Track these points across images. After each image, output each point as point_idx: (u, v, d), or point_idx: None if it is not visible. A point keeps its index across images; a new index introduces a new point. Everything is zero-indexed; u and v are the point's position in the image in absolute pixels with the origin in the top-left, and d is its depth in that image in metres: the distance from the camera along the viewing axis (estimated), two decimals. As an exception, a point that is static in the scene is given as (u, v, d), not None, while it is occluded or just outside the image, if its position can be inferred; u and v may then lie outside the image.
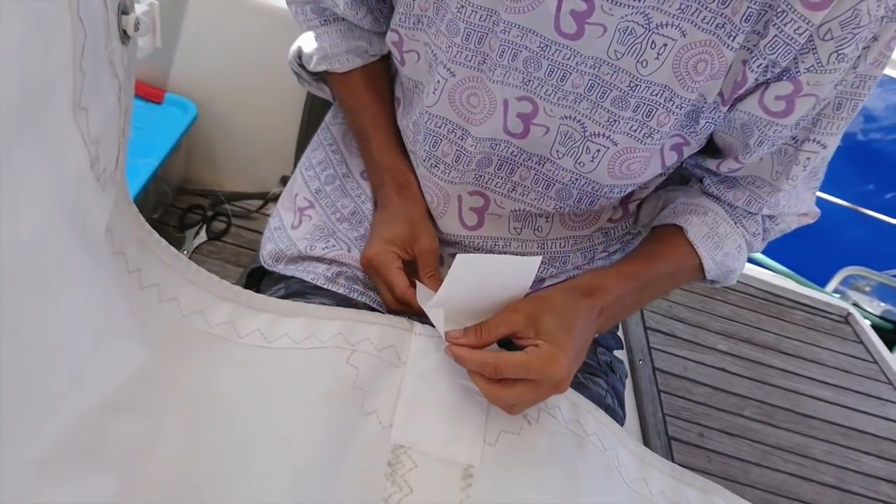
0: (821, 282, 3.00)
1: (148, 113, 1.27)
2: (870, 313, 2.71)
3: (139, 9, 0.44)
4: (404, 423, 0.58)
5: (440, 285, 0.60)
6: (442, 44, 0.62)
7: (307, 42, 0.75)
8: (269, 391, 0.57)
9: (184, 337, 0.58)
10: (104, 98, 0.41)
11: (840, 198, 3.00)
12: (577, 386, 0.72)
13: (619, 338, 0.88)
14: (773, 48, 0.54)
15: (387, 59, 0.77)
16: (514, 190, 0.70)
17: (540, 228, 0.74)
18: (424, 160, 0.71)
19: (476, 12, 0.59)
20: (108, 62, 0.43)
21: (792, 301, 1.78)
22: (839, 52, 0.54)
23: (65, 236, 0.36)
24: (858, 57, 0.56)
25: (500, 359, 0.54)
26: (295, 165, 1.39)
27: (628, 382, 1.32)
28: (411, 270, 0.70)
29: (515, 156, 0.67)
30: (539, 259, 0.61)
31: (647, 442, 1.20)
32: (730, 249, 0.69)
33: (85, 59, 0.37)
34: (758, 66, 0.56)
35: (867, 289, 3.22)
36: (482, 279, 0.61)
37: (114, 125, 0.44)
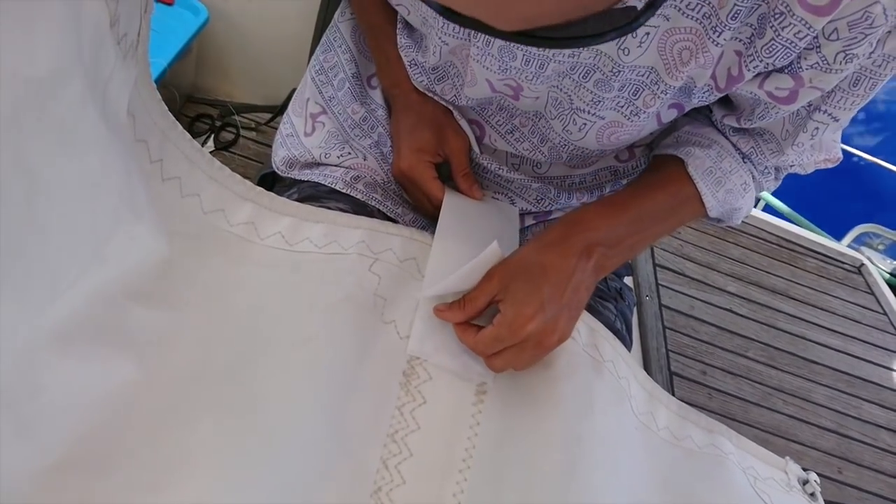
0: (834, 237, 3.00)
1: (158, 13, 1.24)
2: (882, 269, 2.72)
3: None
4: (421, 336, 0.58)
5: (473, 183, 0.61)
6: (431, 14, 0.60)
7: None
8: (291, 291, 0.57)
9: (205, 234, 0.58)
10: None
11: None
12: (589, 309, 0.71)
13: (628, 264, 0.89)
14: (771, 52, 0.51)
15: None
16: (511, 133, 0.68)
17: (539, 165, 0.73)
18: (423, 85, 0.69)
19: None
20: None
21: (805, 248, 1.78)
22: (847, 52, 0.51)
23: (84, 90, 0.36)
24: (881, 42, 0.52)
25: (477, 341, 0.55)
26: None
27: (633, 317, 1.34)
28: (444, 171, 0.70)
29: (513, 108, 0.66)
30: (516, 210, 0.61)
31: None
32: (733, 186, 0.65)
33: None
34: (754, 67, 0.53)
35: (881, 247, 3.22)
36: (472, 221, 0.62)
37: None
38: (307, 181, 0.73)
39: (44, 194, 0.35)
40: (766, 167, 0.68)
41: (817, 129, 0.60)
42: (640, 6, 0.37)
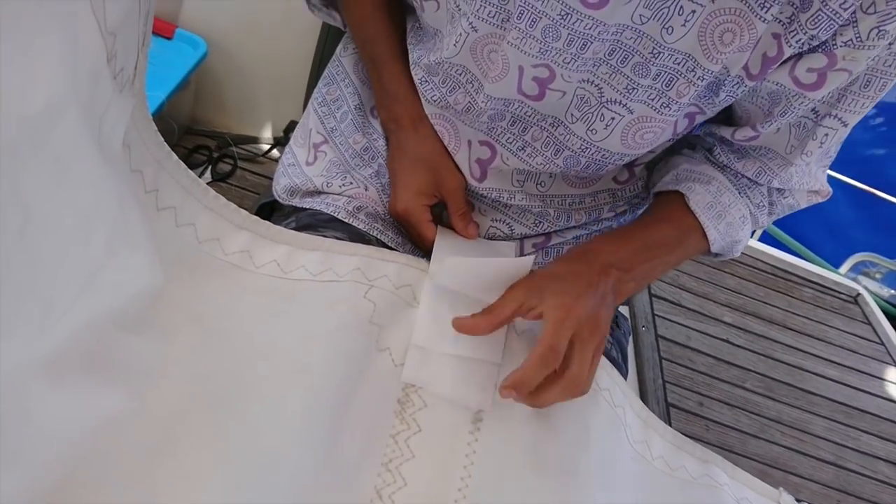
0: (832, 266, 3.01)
1: (157, 47, 1.26)
2: (878, 298, 2.73)
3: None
4: (416, 363, 0.58)
5: (469, 222, 0.62)
6: None
7: None
8: (285, 319, 0.57)
9: (199, 263, 0.58)
10: (125, -1, 0.41)
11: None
12: None
13: None
14: (816, 23, 0.52)
15: None
16: (523, 149, 0.69)
17: (543, 183, 0.73)
18: (436, 101, 0.70)
19: None
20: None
21: (801, 278, 1.79)
22: (881, 28, 0.52)
23: (79, 124, 0.37)
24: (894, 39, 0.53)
25: (525, 369, 0.53)
26: (304, 111, 1.38)
27: (630, 348, 1.34)
28: (440, 210, 0.71)
29: (529, 116, 0.66)
30: (531, 259, 0.61)
31: (645, 407, 1.22)
32: (733, 219, 0.68)
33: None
34: (797, 42, 0.54)
35: (878, 275, 3.23)
36: (472, 282, 0.62)
37: (132, 25, 0.44)
38: (306, 210, 0.74)
39: (37, 226, 0.35)
40: (760, 202, 0.69)
41: (826, 135, 0.61)
42: None
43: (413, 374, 0.58)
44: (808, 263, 1.88)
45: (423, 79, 0.69)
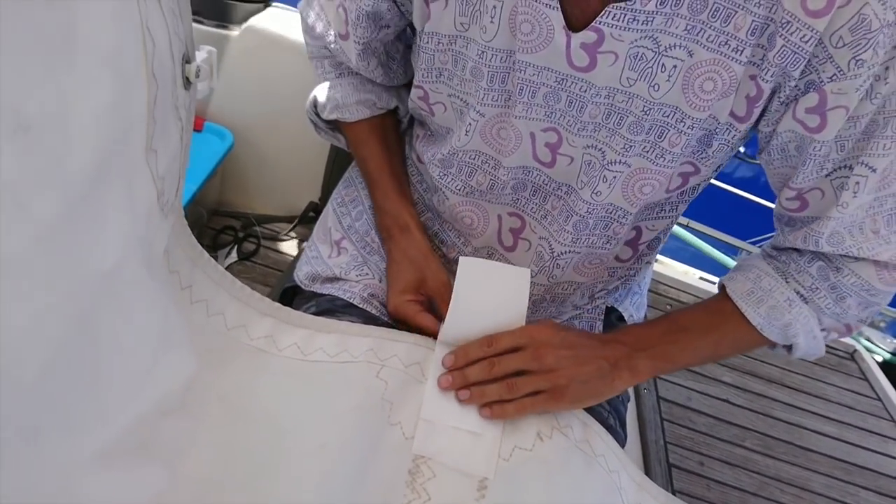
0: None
1: (188, 140, 1.35)
2: (882, 349, 2.71)
3: (199, 56, 0.51)
4: (425, 436, 0.61)
5: None
6: (470, 89, 0.67)
7: (322, 92, 0.81)
8: (305, 400, 0.62)
9: (228, 348, 0.64)
10: (170, 139, 0.48)
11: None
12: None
13: None
14: (783, 57, 0.56)
15: (395, 112, 0.83)
16: (545, 217, 0.74)
17: (553, 276, 0.79)
18: (459, 190, 0.76)
19: (496, 55, 0.64)
20: (173, 107, 0.50)
21: (798, 337, 1.81)
22: (857, 57, 0.54)
23: (137, 263, 0.43)
24: (887, 67, 0.55)
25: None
26: (322, 192, 1.46)
27: (632, 409, 1.36)
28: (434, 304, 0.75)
29: (546, 184, 0.71)
30: (528, 271, 0.67)
31: (647, 468, 1.24)
32: (776, 303, 0.66)
33: (157, 109, 0.44)
34: (771, 76, 0.57)
35: (882, 325, 3.22)
36: (485, 287, 0.68)
37: (176, 161, 0.50)
38: (326, 295, 0.80)
39: (105, 356, 0.41)
40: (812, 285, 0.66)
41: (858, 183, 0.60)
42: None
43: (422, 447, 0.62)
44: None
45: (441, 174, 0.76)
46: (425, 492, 0.60)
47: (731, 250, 3.31)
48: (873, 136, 0.58)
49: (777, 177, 0.66)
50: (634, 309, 0.91)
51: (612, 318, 0.88)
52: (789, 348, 0.70)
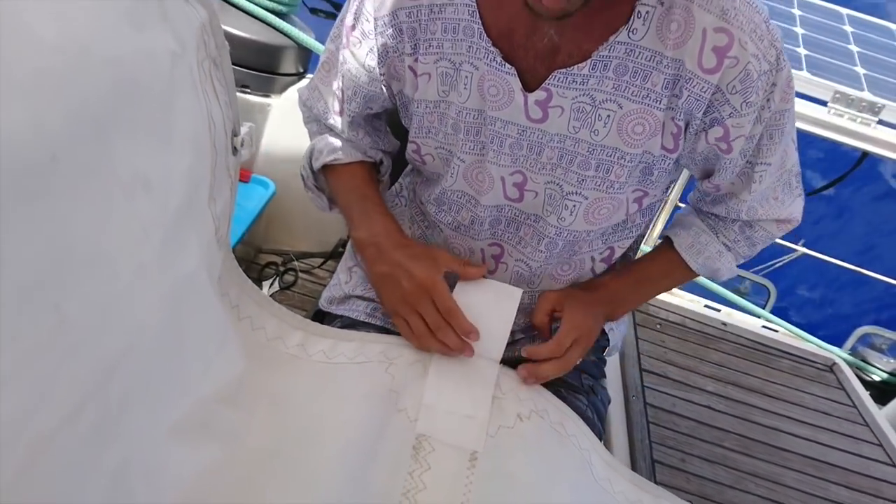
0: (838, 341, 3.04)
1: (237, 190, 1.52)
2: (879, 369, 2.73)
3: (243, 130, 0.65)
4: (427, 418, 0.73)
5: (469, 265, 0.85)
6: (452, 141, 0.83)
7: (319, 144, 0.92)
8: (329, 393, 0.76)
9: (269, 355, 0.78)
10: (223, 190, 0.64)
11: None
12: (563, 399, 0.88)
13: (601, 367, 1.03)
14: (689, 103, 0.71)
15: (377, 166, 0.96)
16: (520, 243, 0.88)
17: (533, 283, 0.92)
18: (449, 224, 0.91)
19: (470, 113, 0.79)
20: (225, 168, 0.65)
21: (780, 350, 1.89)
22: (746, 100, 0.70)
23: (206, 275, 0.58)
24: (768, 100, 0.71)
25: (538, 351, 0.82)
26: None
27: (621, 413, 1.47)
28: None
29: (518, 216, 0.87)
30: (519, 292, 0.81)
31: (633, 463, 1.34)
32: (710, 253, 0.89)
33: (216, 169, 0.60)
34: (682, 117, 0.72)
35: (884, 347, 3.23)
36: (479, 300, 0.81)
37: (228, 206, 0.66)
38: (342, 317, 0.94)
39: (185, 344, 0.56)
40: (735, 238, 0.89)
41: (761, 175, 0.79)
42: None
43: (424, 426, 0.74)
44: (787, 336, 1.97)
45: (436, 210, 0.91)
46: (426, 462, 0.72)
47: (732, 280, 3.35)
48: (763, 143, 0.77)
49: (698, 173, 0.84)
50: (615, 322, 1.03)
51: None
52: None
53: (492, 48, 0.74)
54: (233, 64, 1.56)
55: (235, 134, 0.68)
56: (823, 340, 2.25)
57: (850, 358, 2.52)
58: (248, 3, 1.45)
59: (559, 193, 0.81)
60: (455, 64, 0.77)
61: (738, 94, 0.70)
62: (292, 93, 1.56)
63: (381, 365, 0.79)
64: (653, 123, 0.73)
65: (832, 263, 3.18)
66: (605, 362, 1.06)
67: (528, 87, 0.75)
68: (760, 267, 3.74)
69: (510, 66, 0.73)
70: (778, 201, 0.84)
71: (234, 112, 0.67)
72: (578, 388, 0.94)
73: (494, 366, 0.82)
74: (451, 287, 0.83)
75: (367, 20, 0.78)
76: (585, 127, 0.75)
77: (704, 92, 0.70)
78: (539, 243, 0.87)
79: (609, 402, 1.02)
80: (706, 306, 2.17)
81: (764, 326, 2.09)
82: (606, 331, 1.01)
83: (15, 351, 0.33)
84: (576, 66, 0.71)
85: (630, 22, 0.69)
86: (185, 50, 0.54)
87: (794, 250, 3.16)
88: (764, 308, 3.18)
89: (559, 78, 0.72)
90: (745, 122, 0.72)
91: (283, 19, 1.50)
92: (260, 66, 1.50)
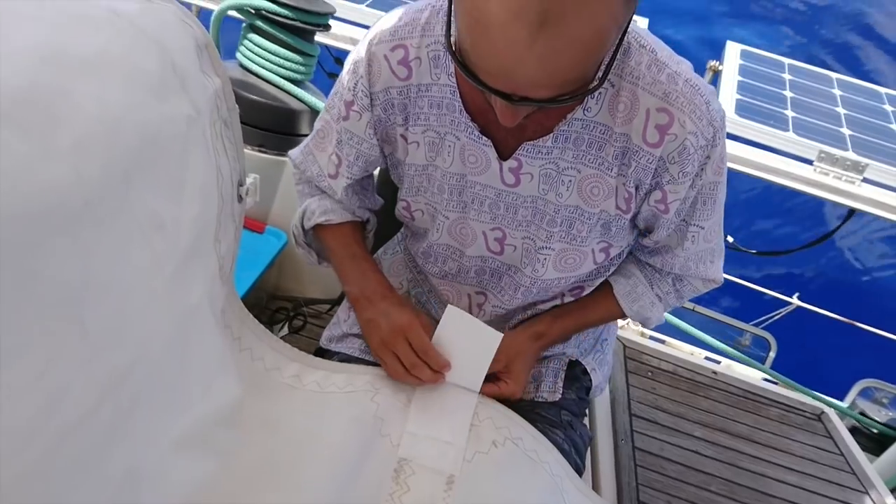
0: (839, 394, 3.03)
1: (252, 240, 1.61)
2: (875, 421, 2.72)
3: (248, 181, 0.74)
4: (409, 444, 0.79)
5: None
6: (437, 200, 0.92)
7: (311, 205, 1.01)
8: (319, 418, 0.83)
9: (266, 384, 0.85)
10: (228, 233, 0.72)
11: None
12: (541, 430, 0.93)
13: (582, 406, 1.07)
14: (637, 172, 0.81)
15: (364, 225, 1.04)
16: (501, 292, 0.97)
17: (508, 318, 1.00)
18: (436, 274, 0.99)
19: (453, 177, 0.88)
20: (231, 214, 0.74)
21: (769, 399, 1.91)
22: (683, 170, 0.79)
23: (208, 307, 0.66)
24: (703, 170, 0.79)
25: (501, 393, 0.92)
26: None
27: (609, 457, 1.49)
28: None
29: (499, 267, 0.95)
30: (500, 336, 0.87)
31: (620, 504, 1.36)
32: (644, 303, 0.97)
33: (222, 215, 0.68)
34: (632, 183, 0.81)
35: (885, 400, 3.21)
36: (463, 336, 0.87)
37: (231, 248, 0.74)
38: (339, 353, 1.01)
39: (188, 365, 0.63)
40: (667, 290, 0.97)
41: (694, 235, 0.88)
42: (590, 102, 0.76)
43: (406, 451, 0.80)
44: (776, 386, 1.99)
45: (424, 262, 0.99)
46: (406, 484, 0.77)
47: (730, 332, 3.37)
48: (697, 208, 0.85)
49: (642, 229, 0.92)
50: (597, 364, 1.09)
51: (577, 371, 1.06)
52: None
53: (470, 123, 0.83)
54: (251, 126, 1.69)
55: (241, 184, 0.76)
56: (824, 393, 2.25)
57: (847, 410, 2.52)
58: (267, 72, 1.58)
59: (533, 247, 0.90)
60: (440, 134, 0.86)
61: (677, 164, 0.79)
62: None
63: (368, 394, 0.86)
64: (606, 187, 0.83)
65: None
66: (587, 402, 1.11)
67: (503, 155, 0.84)
68: (760, 319, 3.75)
69: (487, 139, 0.83)
70: (709, 264, 0.94)
71: (241, 165, 0.76)
72: (557, 423, 1.00)
73: (473, 396, 0.88)
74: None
75: (364, 95, 0.88)
76: (552, 190, 0.84)
77: (650, 163, 0.79)
78: (516, 291, 0.95)
79: (590, 438, 1.07)
80: (707, 358, 2.20)
81: (765, 379, 2.11)
82: (589, 371, 1.06)
83: (46, 352, 0.40)
84: (541, 140, 0.81)
85: (585, 101, 0.78)
86: (199, 114, 0.63)
87: (789, 303, 3.18)
88: (764, 361, 3.18)
89: (528, 149, 0.82)
90: (680, 189, 0.81)
91: (298, 85, 1.62)
92: (276, 128, 1.61)
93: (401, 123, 0.88)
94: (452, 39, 0.67)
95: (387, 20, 0.85)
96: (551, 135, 0.80)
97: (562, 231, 0.87)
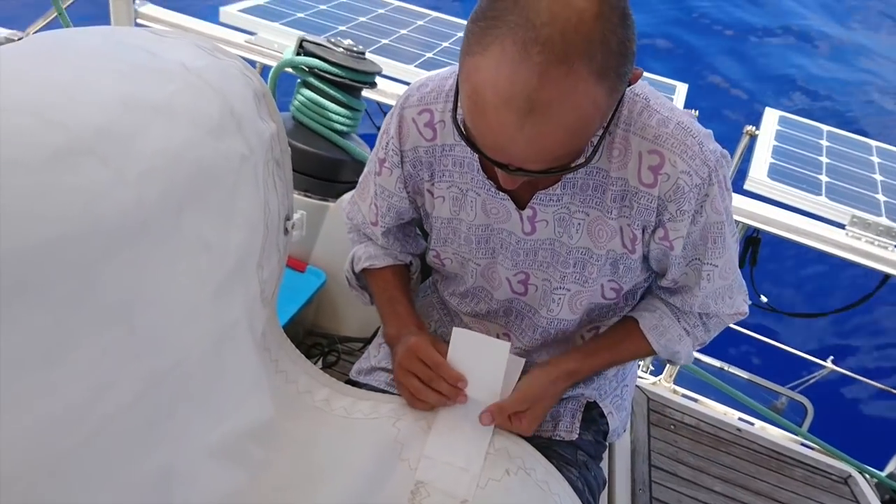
0: (880, 463, 2.89)
1: (293, 277, 1.68)
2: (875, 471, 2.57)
3: (295, 216, 0.80)
4: (426, 468, 0.83)
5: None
6: (465, 250, 0.97)
7: (359, 251, 1.10)
8: (344, 441, 0.86)
9: (298, 406, 0.89)
10: (271, 261, 0.77)
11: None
12: (557, 466, 0.95)
13: (599, 449, 1.08)
14: (640, 213, 0.84)
15: (408, 266, 1.10)
16: (523, 333, 1.02)
17: (534, 363, 1.02)
18: (469, 313, 1.03)
19: (478, 228, 0.93)
20: (275, 244, 0.79)
21: (794, 459, 1.85)
22: (680, 208, 0.81)
23: (246, 327, 0.70)
24: (702, 208, 0.81)
25: (498, 409, 0.89)
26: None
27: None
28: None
29: (523, 308, 0.99)
30: (509, 346, 0.90)
31: (635, 553, 1.33)
32: (672, 336, 0.96)
33: (266, 243, 0.73)
34: (637, 225, 0.84)
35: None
36: (473, 352, 0.89)
37: (274, 274, 0.79)
38: (367, 385, 1.05)
39: (223, 364, 0.67)
40: (694, 323, 0.96)
41: (709, 273, 0.88)
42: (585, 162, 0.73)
43: (423, 474, 0.83)
44: (802, 447, 1.93)
45: (460, 302, 1.04)
46: None
47: (764, 395, 3.26)
48: (708, 247, 0.87)
49: (657, 269, 0.94)
50: (614, 407, 1.10)
51: (595, 413, 1.07)
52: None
53: (488, 180, 0.88)
54: (298, 172, 1.78)
55: (288, 218, 0.82)
56: (860, 459, 2.14)
57: (885, 478, 2.39)
58: (316, 124, 1.67)
59: (549, 288, 0.94)
60: (462, 190, 0.92)
61: (673, 202, 0.82)
62: (346, 197, 1.74)
63: (390, 420, 0.89)
64: (609, 230, 0.87)
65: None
66: (603, 446, 1.11)
67: (520, 206, 0.88)
68: (795, 383, 3.63)
69: (504, 194, 0.87)
70: (728, 300, 0.95)
71: (289, 201, 0.81)
72: (572, 462, 1.01)
73: (489, 428, 0.89)
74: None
75: (395, 153, 0.95)
76: (566, 233, 0.89)
77: (651, 203, 0.83)
78: (535, 332, 0.99)
79: (605, 482, 1.07)
80: (740, 419, 2.13)
81: (802, 444, 2.02)
82: (606, 414, 1.07)
83: (100, 345, 0.45)
84: (550, 188, 0.85)
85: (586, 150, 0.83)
86: (252, 153, 0.69)
87: (823, 367, 3.08)
88: (801, 425, 3.06)
89: (541, 198, 0.87)
90: (680, 227, 0.84)
91: (344, 137, 1.70)
92: (321, 175, 1.69)
93: (427, 179, 0.95)
94: (459, 115, 0.73)
95: (417, 86, 0.92)
96: (559, 183, 0.84)
97: (575, 272, 0.90)
